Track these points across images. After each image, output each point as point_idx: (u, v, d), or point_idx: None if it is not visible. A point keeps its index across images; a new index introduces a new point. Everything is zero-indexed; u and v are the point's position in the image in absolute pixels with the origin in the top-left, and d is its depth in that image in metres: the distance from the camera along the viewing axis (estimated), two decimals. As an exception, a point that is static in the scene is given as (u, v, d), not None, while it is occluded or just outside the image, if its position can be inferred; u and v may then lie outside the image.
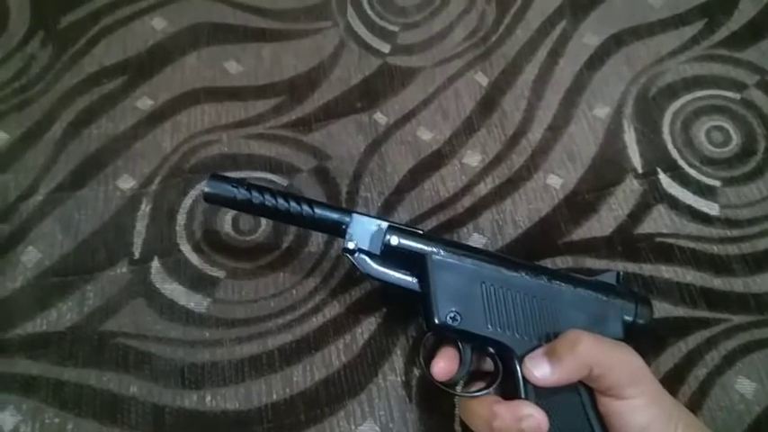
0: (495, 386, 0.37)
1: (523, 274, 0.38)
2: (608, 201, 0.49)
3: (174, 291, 0.45)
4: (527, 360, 0.35)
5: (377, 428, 0.41)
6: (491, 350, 0.38)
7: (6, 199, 0.48)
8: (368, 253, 0.39)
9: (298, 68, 0.56)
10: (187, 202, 0.48)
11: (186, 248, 0.47)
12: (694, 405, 0.42)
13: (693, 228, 0.48)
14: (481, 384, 0.38)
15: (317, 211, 0.40)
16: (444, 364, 0.38)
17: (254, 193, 0.40)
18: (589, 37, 0.57)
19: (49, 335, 0.43)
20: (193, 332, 0.43)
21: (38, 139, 0.51)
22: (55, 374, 0.41)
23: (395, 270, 0.39)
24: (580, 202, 0.49)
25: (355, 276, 0.46)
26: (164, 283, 0.45)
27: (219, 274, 0.46)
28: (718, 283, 0.46)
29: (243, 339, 0.43)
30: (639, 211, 0.48)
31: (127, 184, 0.49)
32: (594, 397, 0.35)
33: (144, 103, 0.53)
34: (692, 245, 0.47)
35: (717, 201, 0.49)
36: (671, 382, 0.42)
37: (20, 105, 0.53)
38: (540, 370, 0.35)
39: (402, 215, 0.49)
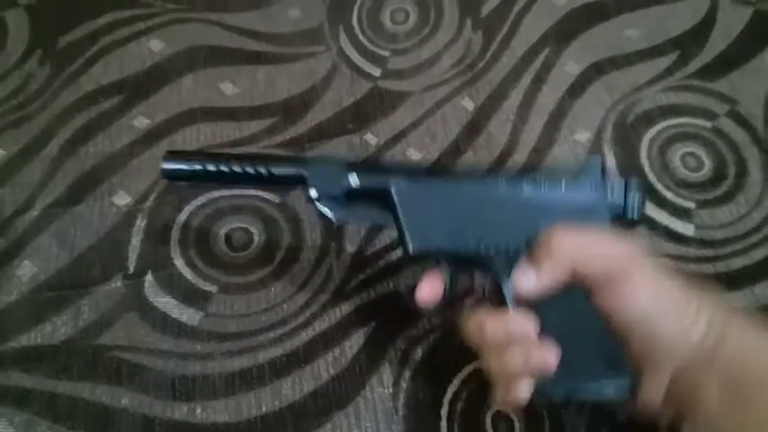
0: (476, 300, 0.37)
1: (494, 180, 0.37)
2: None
3: (167, 304, 0.46)
4: (514, 274, 0.33)
5: (363, 441, 0.42)
6: (473, 267, 0.37)
7: (2, 214, 0.49)
8: (333, 197, 0.38)
9: (291, 90, 0.57)
10: (182, 217, 0.50)
11: (180, 263, 0.48)
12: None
13: (671, 247, 0.50)
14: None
15: (274, 170, 0.39)
16: (430, 288, 0.36)
17: (210, 163, 0.39)
18: (571, 65, 0.60)
19: (43, 348, 0.43)
20: (185, 345, 0.44)
21: (35, 156, 0.52)
22: (49, 387, 0.42)
23: (364, 208, 0.38)
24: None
25: (345, 291, 0.47)
26: (157, 296, 0.46)
27: (212, 288, 0.47)
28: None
29: (234, 353, 0.44)
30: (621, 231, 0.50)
31: (122, 200, 0.50)
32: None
33: (140, 122, 0.55)
34: (670, 263, 0.49)
35: (692, 222, 0.51)
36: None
37: (17, 122, 0.54)
38: (524, 281, 0.33)
39: (393, 234, 0.50)
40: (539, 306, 0.33)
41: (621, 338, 0.32)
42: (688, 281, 0.33)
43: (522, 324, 0.32)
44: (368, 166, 0.39)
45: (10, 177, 0.51)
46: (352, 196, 0.38)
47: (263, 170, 0.39)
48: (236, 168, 0.39)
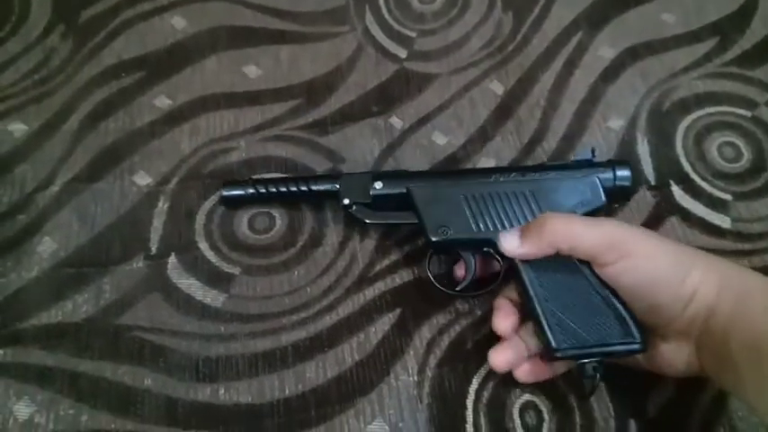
0: (497, 282, 0.43)
1: (498, 177, 0.43)
2: (621, 212, 0.49)
3: (191, 286, 0.45)
4: (501, 234, 0.40)
5: (386, 428, 0.41)
6: (491, 251, 0.42)
7: (24, 190, 0.48)
8: (362, 204, 0.45)
9: (315, 71, 0.56)
10: (207, 205, 0.49)
11: (204, 246, 0.47)
12: (715, 413, 0.41)
13: (705, 240, 0.48)
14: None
15: (313, 186, 0.46)
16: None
17: (261, 189, 0.46)
18: (604, 50, 0.58)
19: (65, 326, 0.43)
20: (209, 326, 0.44)
21: (56, 131, 0.51)
22: (71, 366, 0.41)
23: (389, 210, 0.45)
24: (594, 212, 0.50)
25: (369, 277, 0.46)
26: (180, 278, 0.45)
27: (235, 270, 0.46)
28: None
29: (257, 335, 0.44)
30: (652, 223, 0.49)
31: (143, 180, 0.50)
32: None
33: (162, 101, 0.54)
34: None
35: (728, 214, 0.49)
36: (688, 391, 0.42)
37: (39, 97, 0.53)
38: (508, 242, 0.39)
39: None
40: (553, 279, 0.39)
41: (631, 307, 0.37)
42: (685, 251, 0.37)
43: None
44: (390, 174, 0.46)
45: (31, 152, 0.50)
46: (378, 201, 0.45)
47: (304, 187, 0.46)
48: (283, 189, 0.46)
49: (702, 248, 0.47)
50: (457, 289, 0.44)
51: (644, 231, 0.38)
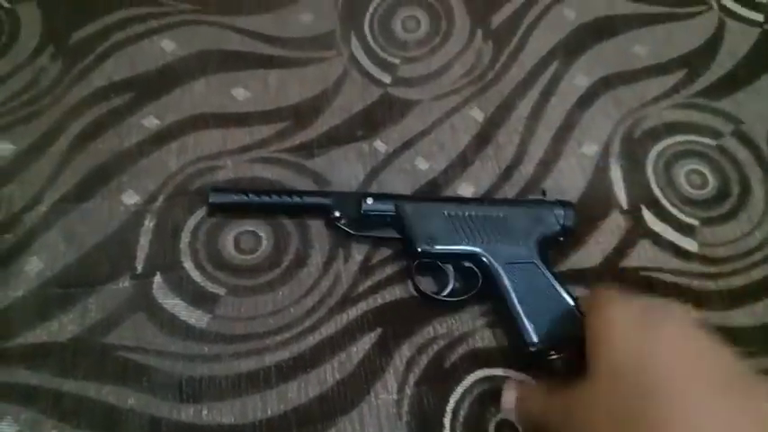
0: (474, 292, 0.47)
1: (473, 204, 0.49)
2: (595, 234, 0.52)
3: (176, 306, 0.46)
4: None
5: (367, 447, 0.42)
6: (468, 264, 0.47)
7: (11, 209, 0.49)
8: (351, 218, 0.48)
9: (303, 95, 0.58)
10: (192, 221, 0.50)
11: (189, 265, 0.48)
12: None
13: (675, 263, 0.51)
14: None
15: (306, 198, 0.49)
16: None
17: (252, 196, 0.48)
18: (580, 78, 0.60)
19: (50, 345, 0.43)
20: (193, 347, 0.44)
21: (44, 151, 0.52)
22: (55, 386, 0.42)
23: (375, 226, 0.48)
24: (569, 235, 0.51)
25: (352, 297, 0.48)
26: (165, 298, 0.46)
27: (220, 291, 0.47)
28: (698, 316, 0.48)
29: (241, 355, 0.44)
30: (625, 246, 0.51)
31: (131, 199, 0.50)
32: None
33: (150, 121, 0.55)
34: (674, 279, 0.50)
35: (695, 239, 0.52)
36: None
37: (28, 117, 0.53)
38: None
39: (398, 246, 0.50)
40: (525, 284, 0.46)
41: None
42: None
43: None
44: (378, 194, 0.49)
45: (19, 172, 0.51)
46: (367, 217, 0.48)
47: (297, 199, 0.48)
48: (275, 198, 0.48)
49: (672, 271, 0.50)
50: (441, 295, 0.47)
51: None
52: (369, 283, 0.48)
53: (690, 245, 0.51)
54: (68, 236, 0.48)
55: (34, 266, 0.46)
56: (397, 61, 0.61)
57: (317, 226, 0.50)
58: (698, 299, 0.49)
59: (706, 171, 0.55)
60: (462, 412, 0.44)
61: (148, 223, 0.49)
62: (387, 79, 0.59)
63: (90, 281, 0.46)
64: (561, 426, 0.34)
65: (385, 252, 0.50)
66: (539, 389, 0.42)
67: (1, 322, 0.44)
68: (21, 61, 0.56)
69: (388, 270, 0.49)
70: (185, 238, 0.49)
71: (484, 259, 0.46)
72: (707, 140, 0.57)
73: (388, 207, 0.48)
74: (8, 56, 0.57)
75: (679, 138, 0.57)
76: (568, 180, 0.54)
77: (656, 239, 0.52)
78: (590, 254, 0.51)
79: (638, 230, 0.52)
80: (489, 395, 0.44)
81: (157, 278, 0.47)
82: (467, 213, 0.48)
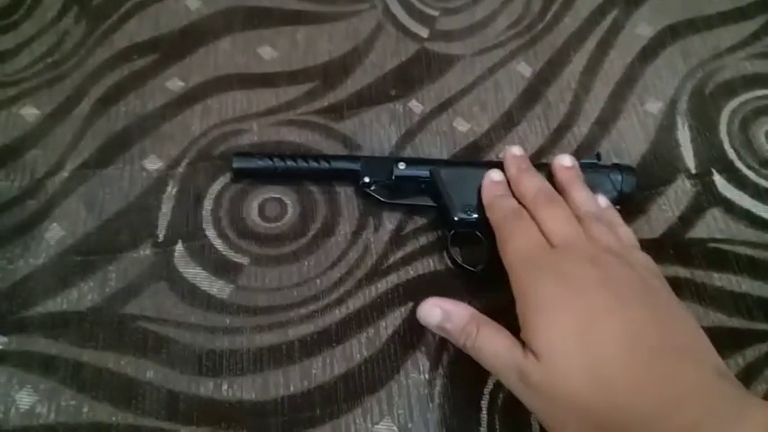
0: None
1: None
2: (658, 202, 0.46)
3: (197, 275, 0.44)
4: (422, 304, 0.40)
5: (394, 428, 0.39)
6: None
7: (34, 175, 0.48)
8: (382, 183, 0.45)
9: (332, 53, 0.54)
10: (215, 187, 0.47)
11: (212, 233, 0.45)
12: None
13: (751, 234, 0.45)
14: None
15: (334, 163, 0.46)
16: None
17: (278, 161, 0.45)
18: (642, 27, 0.54)
19: (69, 314, 0.42)
20: (214, 318, 0.42)
21: (67, 115, 0.50)
22: (74, 355, 0.40)
23: (407, 192, 0.45)
24: (628, 203, 0.46)
25: (382, 269, 0.44)
26: (187, 267, 0.44)
27: (244, 260, 0.44)
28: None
29: (263, 328, 0.42)
30: (692, 214, 0.46)
31: (153, 165, 0.48)
32: None
33: (174, 84, 0.52)
34: (749, 252, 0.44)
35: (777, 207, 0.45)
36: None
37: (51, 81, 0.52)
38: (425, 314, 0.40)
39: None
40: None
41: None
42: None
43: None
44: (412, 159, 0.46)
45: (43, 137, 0.49)
46: (399, 183, 0.45)
47: (325, 164, 0.45)
48: (302, 163, 0.45)
49: (746, 243, 0.44)
50: (478, 268, 0.43)
51: None
52: (400, 254, 0.45)
53: (769, 214, 0.45)
54: (89, 203, 0.46)
55: (55, 234, 0.45)
56: (435, 13, 0.56)
57: (346, 193, 0.47)
58: (777, 275, 0.43)
59: (791, 129, 0.48)
60: (502, 395, 0.40)
61: (171, 189, 0.47)
62: (424, 33, 0.55)
63: (110, 248, 0.45)
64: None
65: (418, 221, 0.46)
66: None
67: (21, 290, 0.43)
68: (45, 23, 0.55)
69: (422, 240, 0.45)
70: (208, 205, 0.47)
71: None
72: (793, 94, 0.50)
73: (422, 172, 0.45)
74: (32, 18, 0.55)
75: (759, 92, 0.51)
76: (628, 141, 0.49)
77: (729, 207, 0.46)
78: (652, 224, 0.46)
79: (707, 197, 0.47)
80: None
81: (179, 246, 0.45)
82: None
